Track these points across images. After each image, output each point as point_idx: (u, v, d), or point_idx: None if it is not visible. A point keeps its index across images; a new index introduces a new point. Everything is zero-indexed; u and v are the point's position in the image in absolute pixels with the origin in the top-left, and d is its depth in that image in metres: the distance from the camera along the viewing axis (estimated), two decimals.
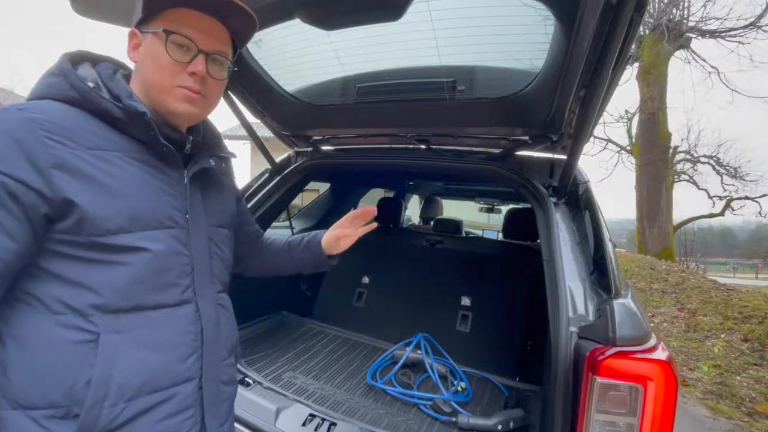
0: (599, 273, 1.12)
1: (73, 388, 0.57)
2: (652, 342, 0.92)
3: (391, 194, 3.52)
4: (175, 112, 0.69)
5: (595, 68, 1.03)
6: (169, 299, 0.66)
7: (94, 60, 0.72)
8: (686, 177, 13.35)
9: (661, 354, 0.89)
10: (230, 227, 0.86)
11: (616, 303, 0.95)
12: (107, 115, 0.64)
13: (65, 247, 0.58)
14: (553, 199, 1.33)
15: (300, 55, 1.52)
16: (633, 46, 1.09)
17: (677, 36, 8.98)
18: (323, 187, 2.80)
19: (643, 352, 0.88)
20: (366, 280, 2.53)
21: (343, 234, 1.02)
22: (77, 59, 0.69)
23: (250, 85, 1.59)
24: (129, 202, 0.62)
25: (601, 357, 0.87)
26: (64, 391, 0.56)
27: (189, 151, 0.75)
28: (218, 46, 0.71)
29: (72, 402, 0.57)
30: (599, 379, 0.87)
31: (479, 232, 4.63)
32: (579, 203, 1.34)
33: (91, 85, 0.64)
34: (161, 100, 0.69)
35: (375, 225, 1.04)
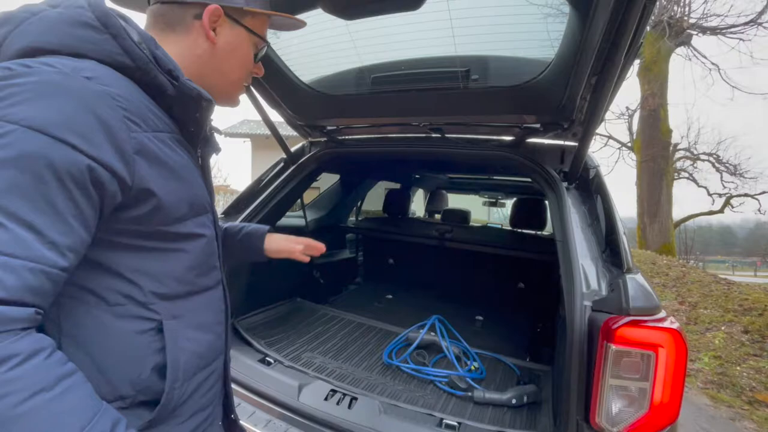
0: (611, 251, 1.17)
1: (140, 377, 0.56)
2: (663, 314, 0.97)
3: (397, 187, 3.57)
4: (234, 102, 0.75)
5: (607, 55, 1.07)
6: (210, 282, 0.69)
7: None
8: (686, 174, 13.42)
9: (671, 324, 0.94)
10: None
11: (629, 277, 1.00)
12: (156, 90, 0.57)
13: (126, 237, 0.54)
14: (565, 184, 1.38)
15: (316, 46, 1.56)
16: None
17: (678, 33, 9.00)
18: (323, 186, 2.83)
19: (654, 321, 0.93)
20: (390, 296, 2.63)
21: (290, 251, 1.06)
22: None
23: (267, 75, 1.64)
24: (187, 189, 0.61)
25: (615, 326, 0.92)
26: (132, 381, 0.55)
27: (209, 133, 0.73)
28: None
29: (138, 391, 0.56)
30: (614, 347, 0.91)
31: None
32: (590, 187, 1.39)
33: (146, 52, 0.54)
34: (227, 90, 0.72)
35: (308, 259, 1.11)
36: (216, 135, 0.76)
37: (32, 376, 0.41)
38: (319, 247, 1.10)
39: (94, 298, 0.53)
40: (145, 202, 0.54)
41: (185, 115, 0.62)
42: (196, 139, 0.67)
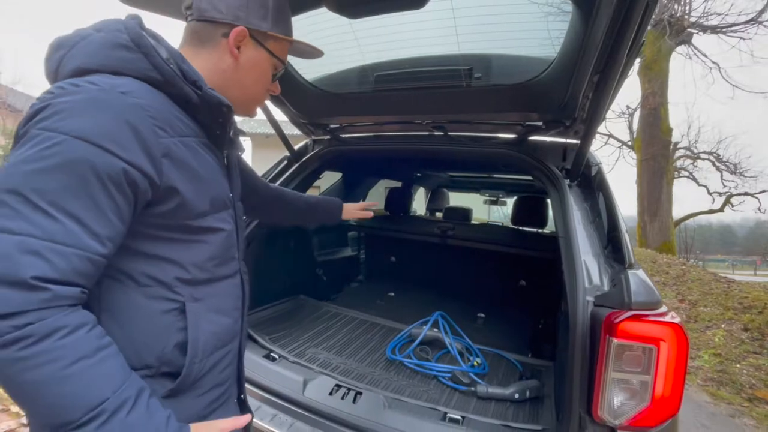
0: (613, 247, 1.19)
1: (163, 351, 0.63)
2: (664, 308, 0.99)
3: (398, 185, 3.59)
4: (251, 113, 0.83)
5: (609, 53, 1.08)
6: (229, 271, 0.76)
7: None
8: (686, 173, 13.42)
9: (672, 318, 0.95)
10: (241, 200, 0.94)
11: (630, 272, 1.01)
12: (182, 99, 0.64)
13: (156, 229, 0.62)
14: (567, 181, 1.39)
15: (320, 44, 1.55)
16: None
17: (679, 31, 9.00)
18: (323, 184, 2.85)
19: (656, 315, 0.95)
20: (392, 293, 2.65)
21: (361, 215, 1.50)
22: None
23: None
24: (209, 187, 0.68)
25: (618, 320, 0.93)
26: (157, 354, 0.63)
27: (234, 136, 0.81)
28: None
29: (162, 363, 0.63)
30: (616, 341, 0.93)
31: None
32: (592, 184, 1.40)
33: (173, 67, 0.62)
34: (245, 102, 0.79)
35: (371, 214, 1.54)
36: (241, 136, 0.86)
37: (77, 345, 0.50)
38: (372, 203, 1.56)
39: (128, 280, 0.61)
40: (171, 198, 0.61)
41: (209, 121, 0.70)
42: (221, 142, 0.75)
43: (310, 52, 0.88)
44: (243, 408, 0.88)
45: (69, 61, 0.59)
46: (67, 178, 0.51)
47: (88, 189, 0.52)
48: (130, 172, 0.55)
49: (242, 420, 0.69)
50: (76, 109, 0.53)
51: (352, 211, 1.46)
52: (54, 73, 0.61)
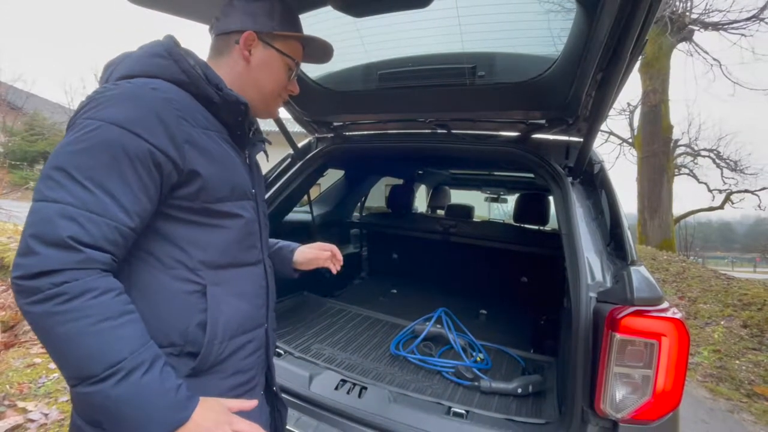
0: (615, 244, 1.20)
1: (187, 330, 0.68)
2: (666, 304, 1.00)
3: (400, 182, 3.60)
4: (272, 113, 0.89)
5: (613, 52, 1.09)
6: (251, 258, 0.80)
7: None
8: (686, 170, 13.42)
9: (674, 314, 0.97)
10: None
11: (633, 269, 1.02)
12: (205, 99, 0.73)
13: (180, 211, 0.68)
14: (570, 179, 1.40)
15: None
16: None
17: (680, 28, 8.98)
18: (323, 182, 2.86)
19: (658, 311, 0.96)
20: (395, 290, 2.67)
21: (318, 258, 1.09)
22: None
23: None
24: (229, 175, 0.74)
25: (620, 315, 0.95)
26: (180, 332, 0.68)
27: (253, 136, 0.88)
28: None
29: (186, 342, 0.68)
30: (618, 336, 0.95)
31: None
32: (595, 182, 1.41)
33: (198, 71, 0.71)
34: (264, 101, 0.85)
35: (336, 270, 1.13)
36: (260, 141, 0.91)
37: (104, 306, 0.56)
38: (339, 258, 1.13)
39: (155, 261, 0.67)
40: (194, 181, 0.68)
41: (231, 119, 0.77)
42: (243, 142, 0.81)
43: (321, 56, 0.94)
44: (273, 399, 0.91)
45: (116, 72, 0.69)
46: (101, 157, 0.59)
47: (119, 167, 0.59)
48: (156, 153, 0.62)
49: (248, 404, 0.70)
50: (112, 101, 0.62)
51: (308, 255, 1.09)
52: (105, 83, 0.69)
